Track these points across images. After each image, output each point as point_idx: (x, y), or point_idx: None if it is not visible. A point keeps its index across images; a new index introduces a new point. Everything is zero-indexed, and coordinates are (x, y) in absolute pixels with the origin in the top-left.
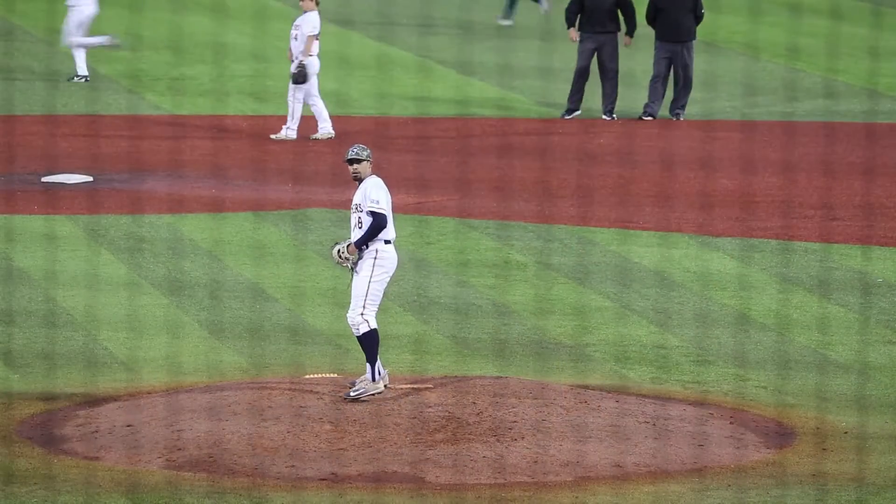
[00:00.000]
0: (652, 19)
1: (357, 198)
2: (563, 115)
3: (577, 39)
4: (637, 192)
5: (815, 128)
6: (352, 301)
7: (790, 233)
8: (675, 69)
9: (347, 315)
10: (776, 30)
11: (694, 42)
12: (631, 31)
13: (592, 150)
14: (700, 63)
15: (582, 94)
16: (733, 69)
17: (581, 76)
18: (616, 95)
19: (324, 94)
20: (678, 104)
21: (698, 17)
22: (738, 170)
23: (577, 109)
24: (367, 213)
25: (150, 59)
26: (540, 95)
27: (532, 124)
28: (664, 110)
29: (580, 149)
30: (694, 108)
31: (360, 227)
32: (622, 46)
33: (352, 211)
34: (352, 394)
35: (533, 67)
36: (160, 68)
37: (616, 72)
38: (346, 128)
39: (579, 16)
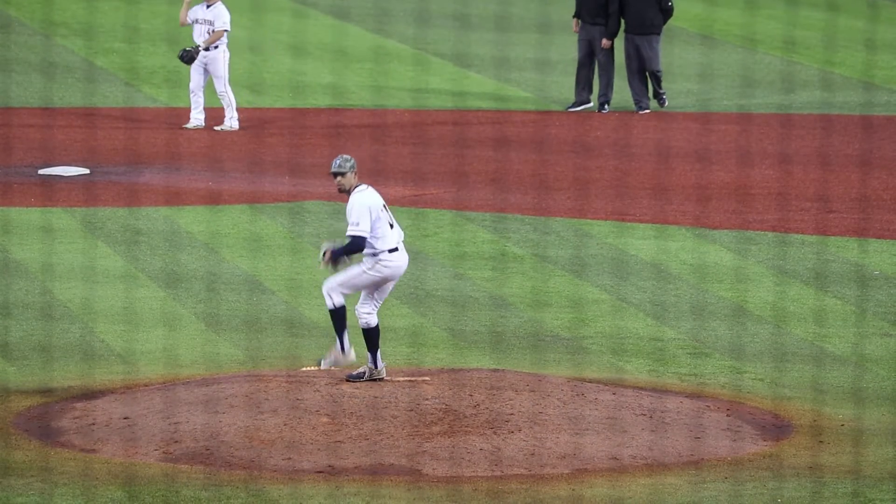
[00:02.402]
0: (621, 12)
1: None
2: (569, 108)
3: (576, 30)
4: (634, 185)
5: (812, 120)
6: (354, 290)
7: (787, 225)
8: (640, 61)
9: (356, 308)
10: (773, 22)
11: (659, 36)
12: (609, 33)
13: (589, 143)
14: (697, 55)
15: (588, 86)
16: (730, 62)
17: (580, 68)
18: (608, 89)
19: (321, 88)
20: (657, 95)
21: (665, 11)
22: (735, 162)
23: (587, 102)
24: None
25: (147, 51)
26: (537, 88)
27: (529, 116)
28: (655, 102)
29: (577, 141)
30: (690, 99)
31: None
32: (619, 41)
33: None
34: (323, 364)
35: (530, 60)
36: (157, 61)
37: (606, 64)
38: (343, 120)
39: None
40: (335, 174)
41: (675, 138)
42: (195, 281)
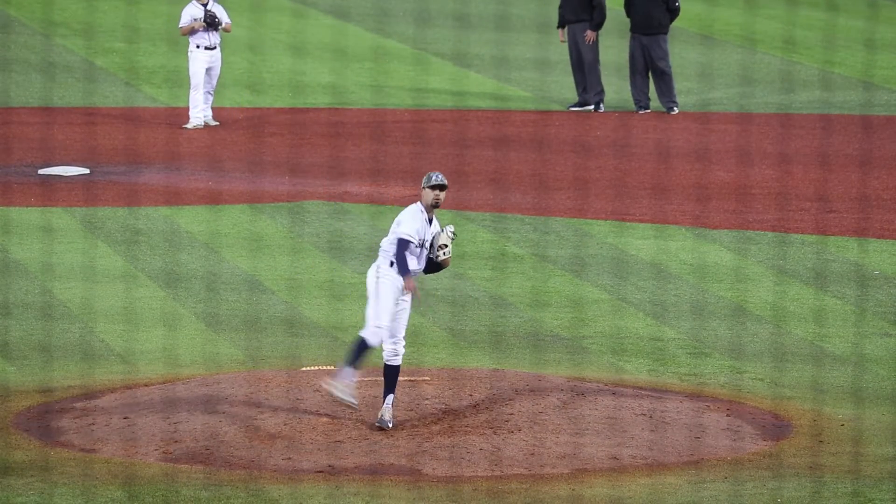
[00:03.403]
0: (627, 11)
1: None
2: (570, 107)
3: (564, 40)
4: (633, 185)
5: (812, 120)
6: (401, 330)
7: (786, 225)
8: (648, 62)
9: (401, 346)
10: (773, 22)
11: (667, 35)
12: (595, 25)
13: (589, 143)
14: (696, 55)
15: (585, 86)
16: (730, 61)
17: (575, 70)
18: (600, 88)
19: (321, 87)
20: (666, 98)
21: (672, 11)
22: (735, 162)
23: (589, 104)
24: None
25: (147, 51)
26: (536, 87)
27: (529, 116)
28: (656, 102)
29: (576, 141)
30: (690, 99)
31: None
32: (623, 38)
33: (424, 246)
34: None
35: (529, 59)
36: (157, 60)
37: (593, 62)
38: (343, 120)
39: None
40: (445, 187)
41: (674, 138)
42: (195, 281)
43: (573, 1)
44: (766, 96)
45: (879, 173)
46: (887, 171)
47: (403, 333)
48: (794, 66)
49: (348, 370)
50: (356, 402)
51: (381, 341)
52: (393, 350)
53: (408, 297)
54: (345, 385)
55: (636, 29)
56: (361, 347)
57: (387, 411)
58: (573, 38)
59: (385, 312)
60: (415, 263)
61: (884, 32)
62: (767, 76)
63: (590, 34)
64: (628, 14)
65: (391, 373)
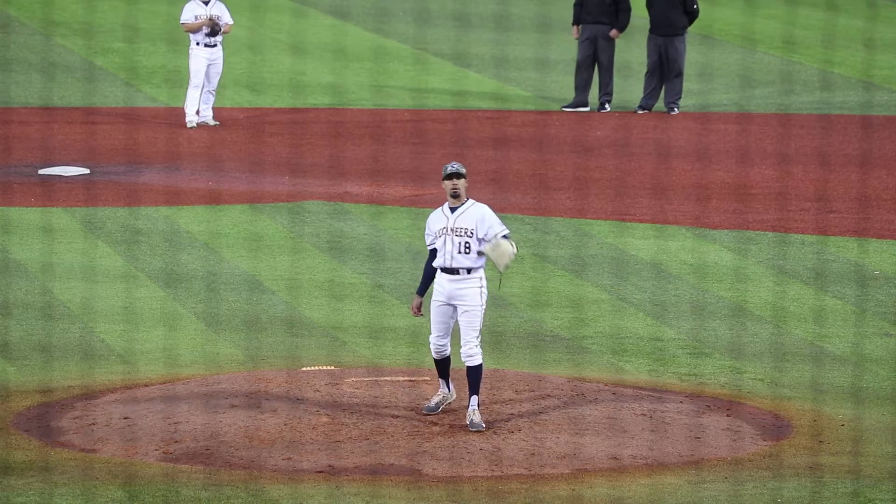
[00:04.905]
0: (649, 11)
1: (465, 222)
2: (564, 107)
3: (577, 37)
4: (633, 185)
5: (812, 120)
6: (467, 333)
7: (786, 225)
8: (664, 62)
9: (467, 349)
10: (772, 22)
11: (684, 37)
12: (620, 26)
13: (589, 143)
14: (696, 55)
15: (588, 88)
16: (729, 61)
17: (580, 68)
18: (611, 88)
19: (321, 87)
20: (670, 97)
21: (690, 13)
22: (735, 162)
23: (585, 105)
24: (498, 236)
25: (147, 51)
26: (536, 87)
27: (528, 116)
28: (660, 103)
29: (576, 141)
30: (690, 99)
31: (466, 252)
32: (623, 38)
33: (447, 234)
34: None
35: (529, 59)
36: (157, 60)
37: (608, 64)
38: (343, 119)
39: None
40: (459, 175)
41: (674, 138)
42: (195, 280)
43: (593, 3)
44: (765, 96)
45: (879, 173)
46: (887, 171)
47: (468, 337)
48: (793, 66)
49: (441, 383)
50: (449, 395)
51: (439, 351)
52: (466, 353)
53: (465, 302)
54: (440, 398)
55: (654, 29)
56: (436, 361)
57: (474, 414)
58: (590, 39)
59: (432, 324)
60: (441, 260)
61: (884, 32)
62: (767, 76)
63: (614, 33)
64: (650, 14)
65: (470, 374)
